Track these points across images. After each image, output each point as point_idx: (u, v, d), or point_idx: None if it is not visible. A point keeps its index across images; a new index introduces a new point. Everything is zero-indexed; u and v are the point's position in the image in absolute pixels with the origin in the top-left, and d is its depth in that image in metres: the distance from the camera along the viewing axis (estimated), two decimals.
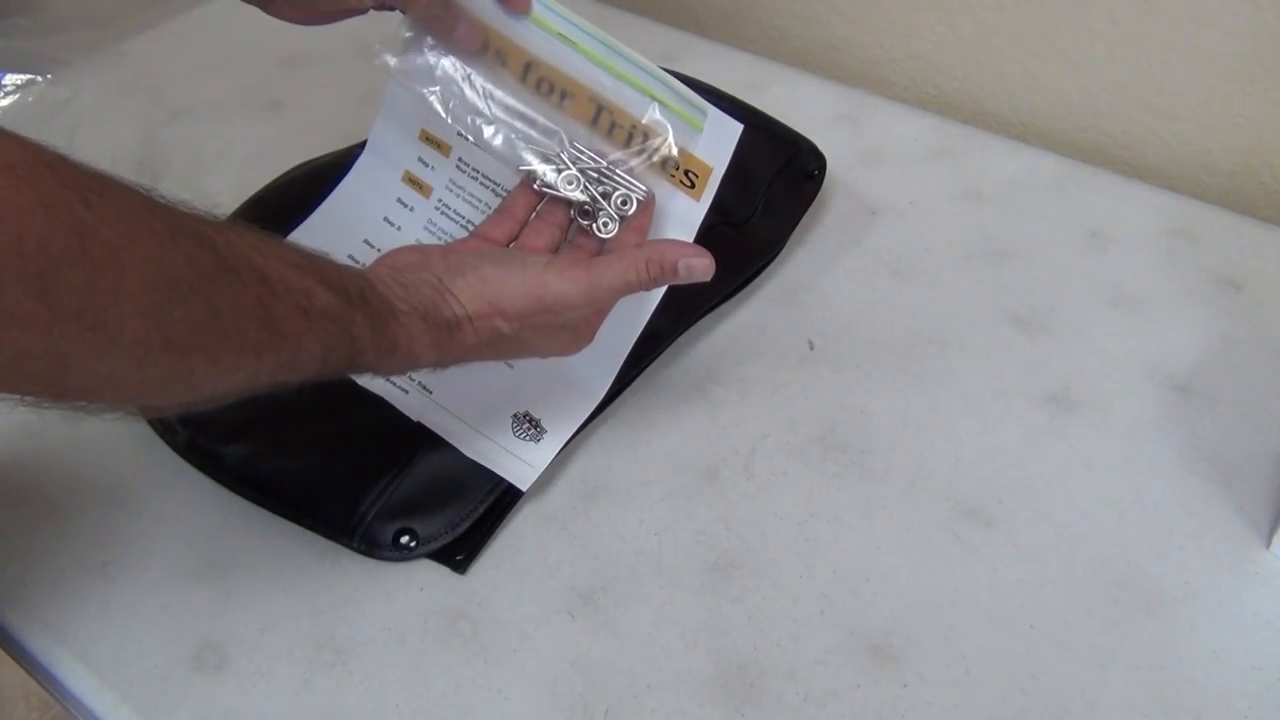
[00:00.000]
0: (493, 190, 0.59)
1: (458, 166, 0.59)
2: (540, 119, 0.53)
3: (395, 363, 0.44)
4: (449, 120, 0.53)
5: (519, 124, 0.53)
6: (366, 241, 0.60)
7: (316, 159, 0.68)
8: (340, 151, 0.69)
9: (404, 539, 0.52)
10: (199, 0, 0.90)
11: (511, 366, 0.57)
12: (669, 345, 0.61)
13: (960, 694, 0.47)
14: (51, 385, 0.32)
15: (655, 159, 0.53)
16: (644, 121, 0.54)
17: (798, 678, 0.48)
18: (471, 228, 0.58)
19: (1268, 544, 0.52)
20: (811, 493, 0.55)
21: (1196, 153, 0.76)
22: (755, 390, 0.60)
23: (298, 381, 0.41)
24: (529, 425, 0.56)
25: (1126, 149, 0.79)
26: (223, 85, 0.83)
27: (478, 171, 0.59)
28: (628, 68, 0.54)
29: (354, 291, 0.42)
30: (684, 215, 0.55)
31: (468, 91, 0.53)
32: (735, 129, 0.56)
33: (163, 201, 0.35)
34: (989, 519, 0.54)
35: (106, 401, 0.34)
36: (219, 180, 0.73)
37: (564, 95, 0.53)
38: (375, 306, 0.43)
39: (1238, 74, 0.71)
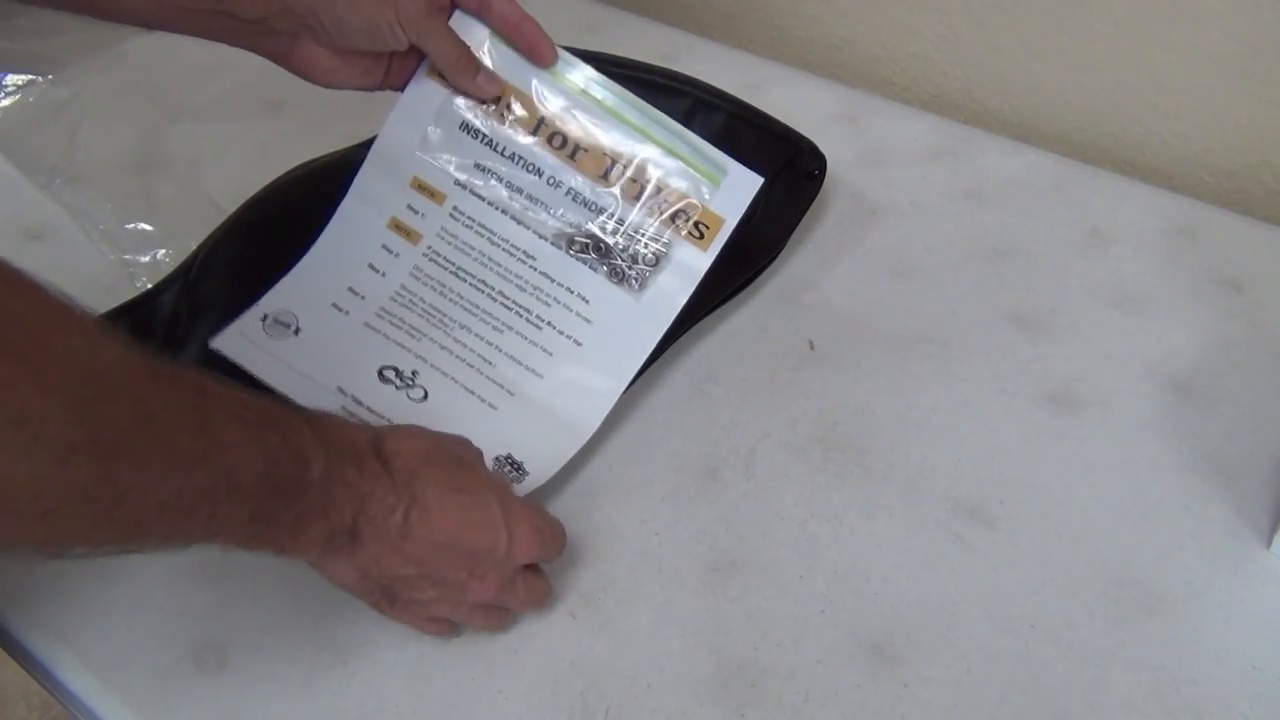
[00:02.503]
0: (488, 239, 0.58)
1: (451, 215, 0.58)
2: (548, 171, 0.55)
3: (350, 477, 0.41)
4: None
5: (525, 175, 0.56)
6: (351, 290, 0.59)
7: (317, 159, 0.68)
8: (341, 151, 0.69)
9: None
10: None
11: (495, 408, 0.56)
12: (670, 346, 0.61)
13: (960, 694, 0.47)
14: None
15: (668, 213, 0.56)
16: (661, 177, 0.56)
17: (798, 678, 0.48)
18: (464, 275, 0.58)
19: (1268, 544, 0.52)
20: (812, 493, 0.55)
21: (1196, 153, 0.76)
22: (755, 390, 0.60)
23: (242, 520, 0.37)
24: (510, 467, 0.54)
25: (1126, 149, 0.79)
26: (223, 85, 0.83)
27: (473, 221, 0.58)
28: (648, 124, 0.56)
29: (292, 409, 0.40)
30: (689, 264, 0.57)
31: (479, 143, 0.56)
32: (754, 182, 0.57)
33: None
34: (989, 519, 0.54)
35: (20, 520, 0.31)
36: (219, 180, 0.73)
37: (576, 149, 0.55)
38: (317, 417, 0.41)
39: (1238, 74, 0.71)
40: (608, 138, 0.55)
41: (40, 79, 0.81)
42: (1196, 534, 0.53)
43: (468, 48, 0.55)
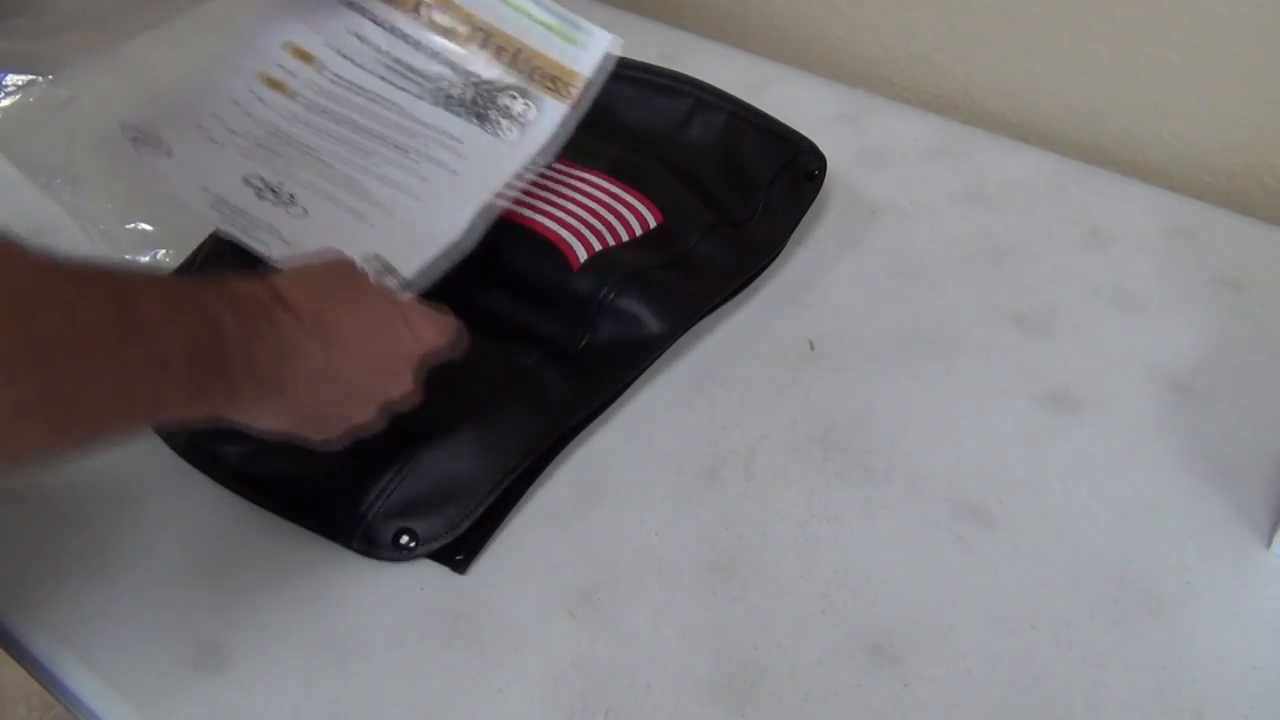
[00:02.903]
0: (363, 98, 0.62)
1: (325, 75, 0.62)
2: (422, 40, 0.61)
3: (264, 331, 0.43)
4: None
5: (400, 43, 0.61)
6: (217, 116, 0.61)
7: None
8: None
9: (404, 539, 0.52)
10: (199, 0, 0.90)
11: (372, 224, 0.58)
12: (669, 346, 0.61)
13: (960, 694, 0.47)
14: None
15: (529, 71, 0.63)
16: (522, 40, 0.63)
17: (798, 678, 0.48)
18: (339, 121, 0.61)
19: (1268, 544, 0.52)
20: (812, 493, 0.55)
21: (1196, 153, 0.76)
22: (755, 390, 0.60)
23: (182, 398, 0.39)
24: (381, 267, 0.56)
25: (1127, 149, 0.79)
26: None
27: (347, 82, 0.61)
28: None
29: (199, 280, 0.42)
30: (550, 112, 0.64)
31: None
32: (605, 39, 0.65)
33: None
34: (989, 519, 0.54)
35: None
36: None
37: (449, 22, 0.62)
38: (221, 281, 0.43)
39: (1238, 74, 0.71)
40: (477, 8, 0.62)
41: (40, 79, 0.81)
42: (1196, 534, 0.53)
43: None
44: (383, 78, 0.61)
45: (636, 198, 0.66)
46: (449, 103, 0.62)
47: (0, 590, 0.52)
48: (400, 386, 0.49)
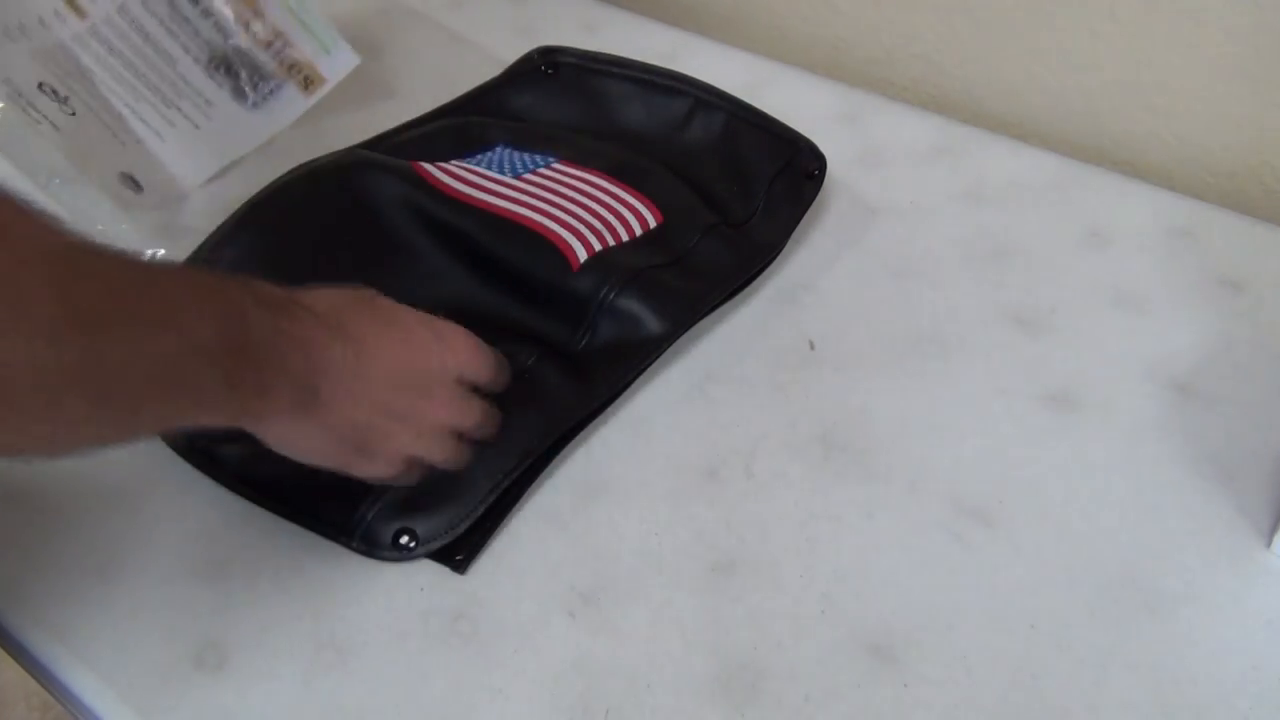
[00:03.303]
0: (144, 39, 0.67)
1: (118, 10, 0.67)
2: (210, 6, 0.69)
3: (285, 324, 0.43)
4: None
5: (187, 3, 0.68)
6: (21, 26, 0.64)
7: (317, 160, 0.68)
8: (341, 152, 0.69)
9: (403, 539, 0.52)
10: None
11: (124, 145, 0.65)
12: (669, 345, 0.61)
13: (960, 694, 0.47)
14: None
15: (286, 62, 0.72)
16: (288, 35, 0.72)
17: (798, 678, 0.48)
18: (116, 54, 0.66)
19: (1268, 544, 0.52)
20: (811, 493, 0.55)
21: (1196, 153, 0.76)
22: (755, 390, 0.60)
23: (219, 388, 0.39)
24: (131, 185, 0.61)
25: (1126, 149, 0.79)
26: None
27: (135, 21, 0.67)
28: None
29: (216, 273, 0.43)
30: (293, 100, 0.73)
31: None
32: (352, 61, 0.74)
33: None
34: (989, 519, 0.54)
35: (27, 414, 0.32)
36: (218, 180, 0.73)
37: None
38: (239, 276, 0.43)
39: (1238, 74, 0.71)
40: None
41: None
42: (1196, 534, 0.53)
43: None
44: (164, 24, 0.68)
45: (637, 198, 0.66)
46: (210, 66, 0.70)
47: (0, 590, 0.52)
48: (436, 407, 0.48)
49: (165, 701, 0.48)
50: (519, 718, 0.47)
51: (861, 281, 0.66)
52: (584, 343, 0.60)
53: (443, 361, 0.48)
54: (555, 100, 0.77)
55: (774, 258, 0.66)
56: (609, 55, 0.77)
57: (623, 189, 0.66)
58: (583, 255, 0.62)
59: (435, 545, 0.52)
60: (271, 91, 0.73)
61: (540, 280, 0.62)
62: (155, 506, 0.55)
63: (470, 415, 0.51)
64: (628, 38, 0.83)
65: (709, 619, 0.50)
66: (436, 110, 0.77)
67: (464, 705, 0.48)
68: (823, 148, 0.71)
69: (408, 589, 0.52)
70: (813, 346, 0.63)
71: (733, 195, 0.69)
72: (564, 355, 0.60)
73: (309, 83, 0.74)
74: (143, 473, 0.56)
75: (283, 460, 0.54)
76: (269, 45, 0.72)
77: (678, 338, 0.61)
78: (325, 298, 0.46)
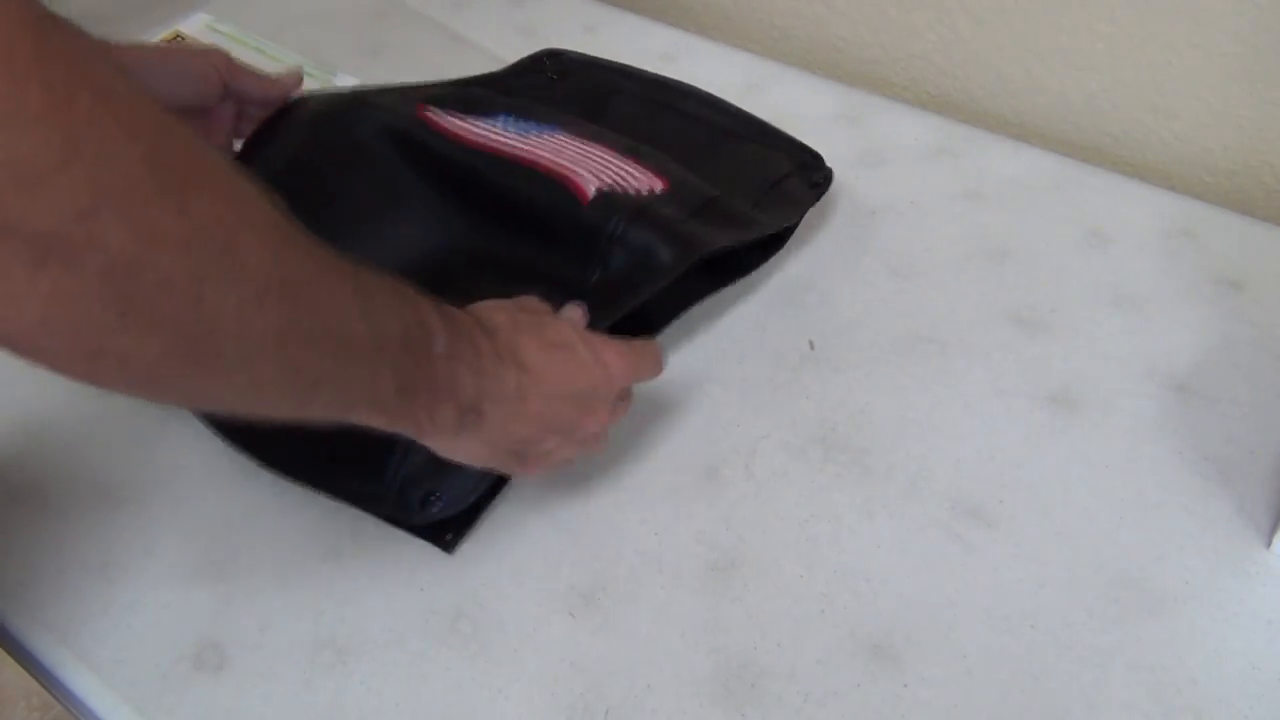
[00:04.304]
0: None
1: None
2: None
3: (468, 355, 0.44)
4: None
5: None
6: None
7: (313, 98, 0.66)
8: (339, 94, 0.67)
9: (432, 499, 0.52)
10: (199, 3, 0.90)
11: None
12: (681, 269, 0.58)
13: (961, 694, 0.47)
14: (184, 325, 0.31)
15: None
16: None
17: (798, 678, 0.48)
18: None
19: (1268, 544, 0.52)
20: (811, 493, 0.55)
21: (1196, 153, 0.76)
22: (755, 390, 0.60)
23: (391, 389, 0.40)
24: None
25: (1126, 149, 0.79)
26: None
27: None
28: None
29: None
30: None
31: None
32: (351, 82, 0.74)
33: None
34: (989, 519, 0.54)
35: (225, 362, 0.33)
36: None
37: None
38: (430, 295, 0.43)
39: (1238, 74, 0.71)
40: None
41: None
42: (1196, 534, 0.53)
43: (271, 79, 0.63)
44: None
45: (641, 168, 0.64)
46: None
47: (0, 590, 0.52)
48: (594, 421, 0.50)
49: (165, 701, 0.48)
50: (519, 718, 0.47)
51: (861, 281, 0.66)
52: (596, 276, 0.59)
53: (604, 381, 0.50)
54: (560, 102, 0.76)
55: (776, 243, 0.66)
56: (619, 64, 0.77)
57: (628, 161, 0.64)
58: (592, 189, 0.60)
59: (462, 504, 0.52)
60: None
61: (549, 215, 0.60)
62: (155, 507, 0.55)
63: (620, 415, 0.52)
64: (628, 38, 0.83)
65: (709, 619, 0.50)
66: (429, 83, 0.77)
67: (464, 705, 0.48)
68: (823, 148, 0.71)
69: (408, 589, 0.52)
70: (813, 346, 0.63)
71: (733, 187, 0.68)
72: (574, 293, 0.57)
73: None
74: (143, 472, 0.56)
75: (306, 432, 0.53)
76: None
77: (688, 263, 0.58)
78: (499, 317, 0.47)
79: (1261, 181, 0.74)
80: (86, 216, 0.27)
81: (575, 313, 0.54)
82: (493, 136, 0.63)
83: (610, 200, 0.60)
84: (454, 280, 0.57)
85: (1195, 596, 0.50)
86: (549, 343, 0.48)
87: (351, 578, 0.52)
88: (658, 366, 0.53)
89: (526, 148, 0.63)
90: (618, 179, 0.62)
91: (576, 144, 0.65)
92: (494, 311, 0.48)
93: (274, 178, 0.63)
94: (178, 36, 0.86)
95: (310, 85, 0.78)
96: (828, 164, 0.70)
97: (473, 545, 0.54)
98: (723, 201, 0.65)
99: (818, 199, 0.69)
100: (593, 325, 0.56)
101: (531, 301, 0.52)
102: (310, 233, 0.36)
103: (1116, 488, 0.55)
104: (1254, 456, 0.56)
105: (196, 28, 0.87)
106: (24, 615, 0.51)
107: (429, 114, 0.64)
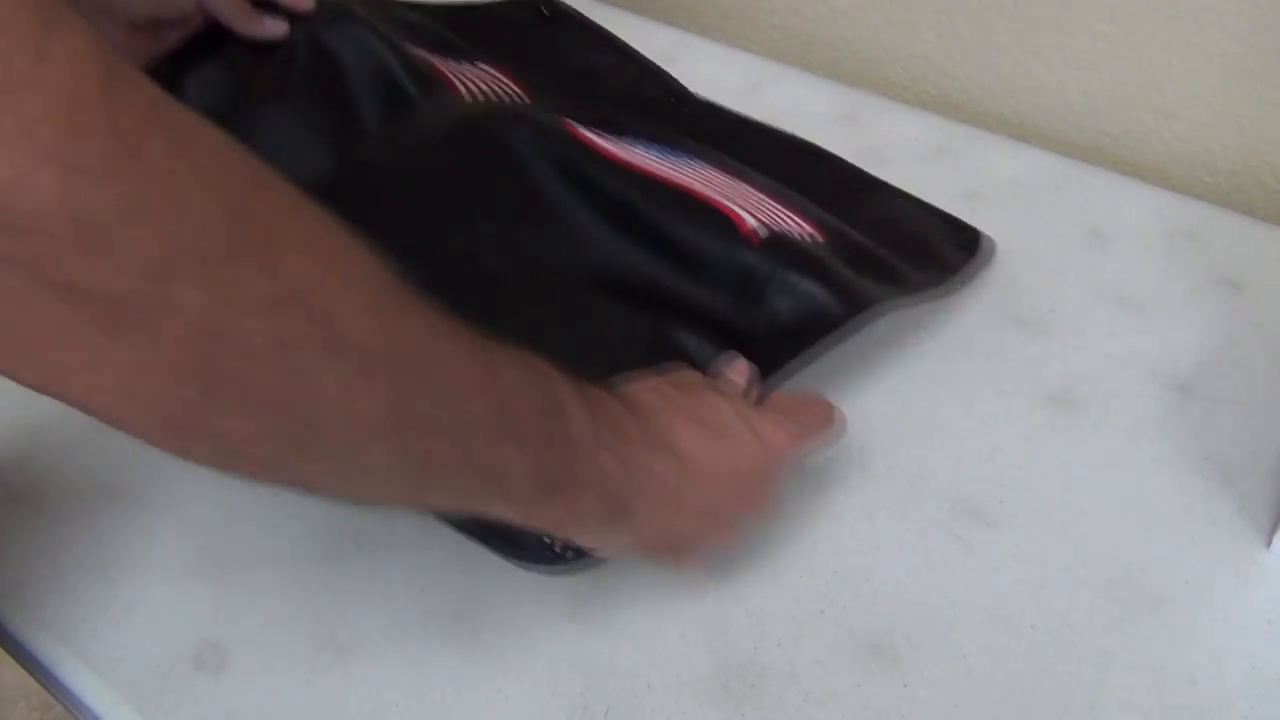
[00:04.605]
0: None
1: None
2: None
3: (611, 440, 0.39)
4: None
5: None
6: None
7: (458, 109, 0.63)
8: (482, 106, 0.64)
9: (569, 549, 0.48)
10: None
11: None
12: (850, 321, 0.54)
13: (961, 694, 0.47)
14: (277, 402, 0.27)
15: None
16: None
17: (798, 678, 0.48)
18: None
19: (1268, 544, 0.52)
20: (812, 492, 0.55)
21: (1196, 153, 0.76)
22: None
23: (525, 475, 0.35)
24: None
25: (1126, 149, 0.79)
26: None
27: None
28: None
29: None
30: None
31: None
32: None
33: None
34: (989, 519, 0.54)
35: (332, 449, 0.29)
36: None
37: None
38: (561, 366, 0.39)
39: (1238, 74, 0.71)
40: None
41: None
42: (1196, 534, 0.53)
43: (249, 5, 0.61)
44: None
45: (795, 214, 0.60)
46: None
47: (0, 590, 0.52)
48: (753, 504, 0.46)
49: (165, 701, 0.48)
50: (519, 718, 0.47)
51: None
52: (756, 320, 0.55)
53: (761, 461, 0.45)
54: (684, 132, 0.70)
55: (937, 295, 0.61)
56: (766, 125, 0.73)
57: (780, 204, 0.60)
58: (752, 223, 0.56)
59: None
60: None
61: (704, 247, 0.56)
62: (155, 505, 0.55)
63: (782, 490, 0.48)
64: (627, 37, 0.83)
65: (709, 619, 0.50)
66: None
67: (464, 705, 0.48)
68: (823, 148, 0.71)
69: (408, 589, 0.52)
70: None
71: (879, 238, 0.63)
72: (728, 336, 0.54)
73: None
74: (143, 472, 0.56)
75: None
76: None
77: (853, 317, 0.54)
78: (648, 398, 0.43)
79: (1261, 181, 0.74)
80: (159, 276, 0.25)
81: (736, 371, 0.49)
82: (644, 154, 0.60)
83: (774, 241, 0.56)
84: (598, 305, 0.54)
85: (1195, 596, 0.50)
86: (705, 425, 0.44)
87: (351, 578, 0.52)
88: (830, 427, 0.48)
89: (680, 174, 0.59)
90: (776, 219, 0.58)
91: (724, 177, 0.61)
92: (641, 391, 0.43)
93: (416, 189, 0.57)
94: None
95: None
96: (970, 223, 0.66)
97: (472, 545, 0.54)
98: (883, 257, 0.61)
99: (967, 262, 0.64)
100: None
101: (684, 376, 0.47)
102: (426, 296, 0.32)
103: (1116, 488, 0.55)
104: (1254, 456, 0.56)
105: None
106: (23, 614, 0.51)
107: (576, 128, 0.60)
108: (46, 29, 0.22)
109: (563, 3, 0.81)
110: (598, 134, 0.61)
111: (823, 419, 0.49)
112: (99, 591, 0.52)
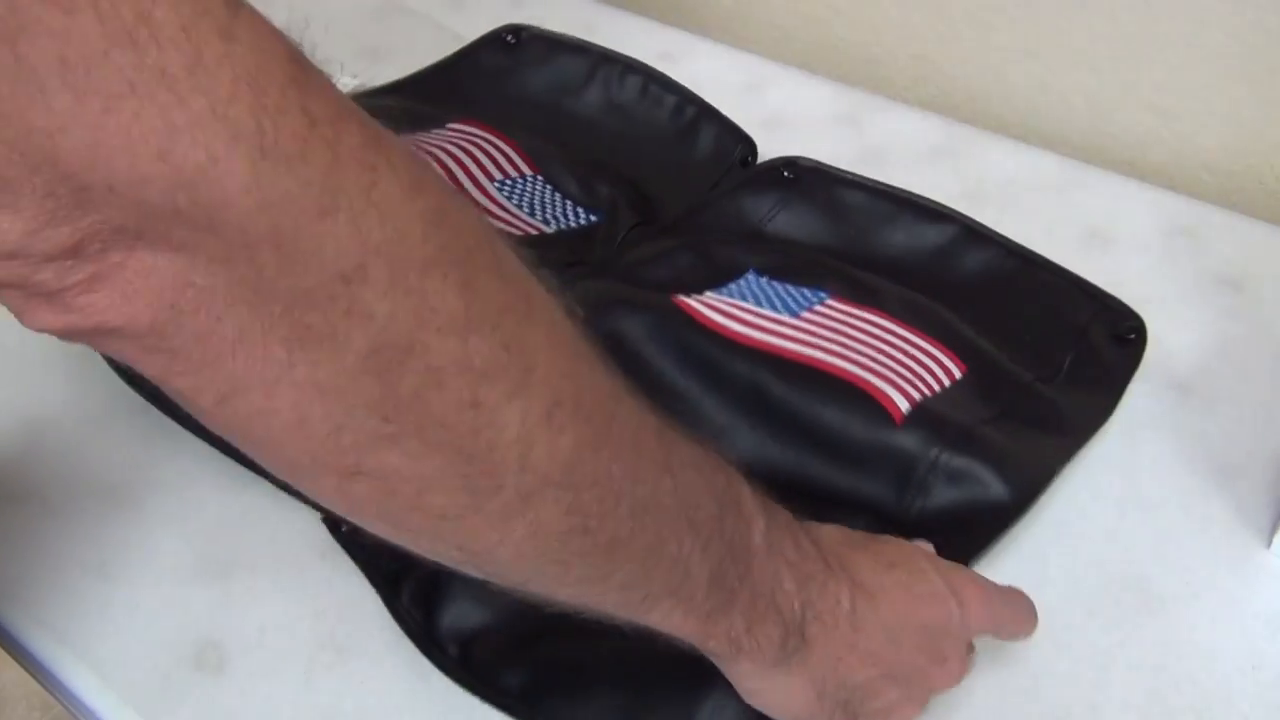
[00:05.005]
0: None
1: None
2: None
3: (790, 554, 0.36)
4: None
5: None
6: None
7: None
8: (580, 283, 0.58)
9: None
10: None
11: None
12: (1021, 516, 0.51)
13: (960, 694, 0.47)
14: (456, 437, 0.26)
15: None
16: None
17: None
18: None
19: (1268, 544, 0.52)
20: None
21: (1196, 153, 0.76)
22: None
23: (703, 579, 0.32)
24: None
25: (1127, 149, 0.79)
26: None
27: None
28: None
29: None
30: None
31: None
32: (349, 85, 0.67)
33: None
34: None
35: (501, 503, 0.27)
36: None
37: None
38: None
39: (1238, 74, 0.71)
40: None
41: None
42: (1196, 534, 0.53)
43: None
44: None
45: (932, 344, 0.56)
46: None
47: (0, 590, 0.52)
48: (943, 677, 0.40)
49: (165, 701, 0.48)
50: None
51: None
52: (916, 508, 0.51)
53: (959, 618, 0.40)
54: (797, 214, 0.67)
55: (1096, 428, 0.56)
56: (852, 174, 0.69)
57: (913, 333, 0.56)
58: (904, 406, 0.52)
59: None
60: None
61: (855, 435, 0.52)
62: (155, 506, 0.55)
63: (968, 671, 0.42)
64: (627, 38, 0.83)
65: None
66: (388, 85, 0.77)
67: (464, 705, 0.47)
68: (823, 148, 0.71)
69: None
70: None
71: (1025, 346, 0.59)
72: (893, 526, 0.49)
73: None
74: (143, 472, 0.56)
75: (579, 687, 0.45)
76: None
77: (1029, 506, 0.51)
78: (828, 530, 0.40)
79: (1261, 181, 0.74)
80: (350, 277, 0.23)
81: (923, 543, 0.44)
82: (765, 326, 0.55)
83: (925, 417, 0.52)
84: None
85: (1195, 596, 0.50)
86: (888, 561, 0.39)
87: (352, 577, 0.52)
88: (1028, 620, 0.43)
89: (809, 340, 0.55)
90: (918, 377, 0.54)
91: (854, 316, 0.57)
92: (825, 527, 0.39)
93: None
94: None
95: None
96: (1139, 316, 0.60)
97: None
98: (1034, 388, 0.56)
99: (1136, 360, 0.58)
100: None
101: (865, 534, 0.42)
102: (597, 348, 0.30)
103: (1117, 487, 0.55)
104: (1254, 456, 0.56)
105: None
106: (24, 615, 0.51)
107: (686, 304, 0.56)
108: (232, 10, 0.22)
109: (528, 26, 0.81)
110: (712, 296, 0.57)
111: (1024, 610, 0.44)
112: (99, 592, 0.52)
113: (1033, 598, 0.50)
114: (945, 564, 0.41)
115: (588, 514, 0.29)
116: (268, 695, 0.48)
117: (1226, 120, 0.73)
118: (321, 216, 0.22)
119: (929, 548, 0.44)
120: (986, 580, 0.42)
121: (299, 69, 0.23)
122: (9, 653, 0.52)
